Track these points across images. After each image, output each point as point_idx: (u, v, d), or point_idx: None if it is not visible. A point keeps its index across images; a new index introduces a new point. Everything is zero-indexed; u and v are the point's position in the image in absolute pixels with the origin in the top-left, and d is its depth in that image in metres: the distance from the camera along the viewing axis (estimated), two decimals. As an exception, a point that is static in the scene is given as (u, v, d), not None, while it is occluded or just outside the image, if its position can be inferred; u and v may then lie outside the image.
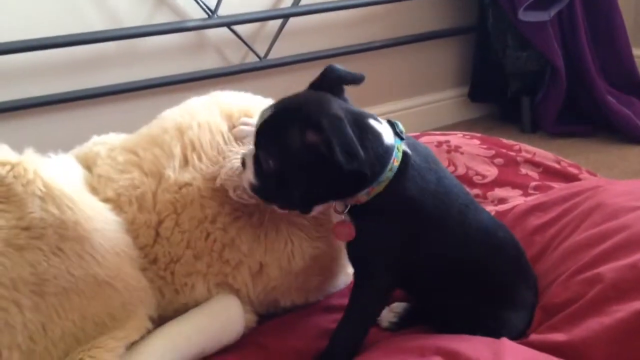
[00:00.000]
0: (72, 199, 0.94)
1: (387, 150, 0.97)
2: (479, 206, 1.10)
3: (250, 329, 1.12)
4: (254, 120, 1.04)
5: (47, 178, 0.93)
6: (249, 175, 0.99)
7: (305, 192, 0.97)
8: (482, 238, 1.05)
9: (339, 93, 0.99)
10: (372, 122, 0.97)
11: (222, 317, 1.07)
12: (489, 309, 1.06)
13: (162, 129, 1.10)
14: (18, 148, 0.99)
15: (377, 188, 0.97)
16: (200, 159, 1.06)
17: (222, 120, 1.10)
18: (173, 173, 1.05)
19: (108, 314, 0.95)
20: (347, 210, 1.00)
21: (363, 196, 0.98)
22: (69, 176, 1.03)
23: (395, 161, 0.97)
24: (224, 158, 1.07)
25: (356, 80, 1.00)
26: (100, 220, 0.97)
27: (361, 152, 0.89)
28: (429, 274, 1.04)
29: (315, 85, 1.00)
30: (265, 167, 0.96)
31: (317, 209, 1.01)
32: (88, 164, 1.11)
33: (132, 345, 0.98)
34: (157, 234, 1.04)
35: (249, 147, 1.05)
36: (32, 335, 0.89)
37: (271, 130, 0.95)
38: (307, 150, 0.92)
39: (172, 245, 1.04)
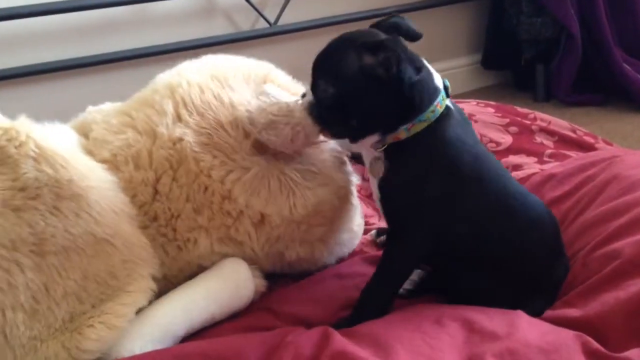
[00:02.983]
0: (65, 158, 0.95)
1: (435, 91, 1.00)
2: (515, 180, 1.09)
3: (260, 295, 1.12)
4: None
5: (39, 139, 0.93)
6: (309, 98, 1.01)
7: (359, 119, 0.99)
8: (522, 209, 1.04)
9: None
10: (425, 62, 1.01)
11: (232, 282, 1.07)
12: (515, 291, 1.05)
13: (152, 90, 1.11)
14: (29, 113, 0.99)
15: (418, 125, 0.99)
16: (191, 114, 1.07)
17: (211, 80, 1.11)
18: (166, 130, 1.06)
19: (109, 272, 0.96)
20: (384, 148, 1.02)
21: (403, 132, 1.00)
22: (62, 139, 1.04)
23: (439, 106, 1.00)
24: (216, 113, 1.08)
25: (415, 38, 1.04)
26: (95, 178, 0.99)
27: (423, 64, 0.96)
28: (462, 246, 1.03)
29: (376, 24, 1.04)
30: (322, 95, 0.99)
31: (365, 142, 1.03)
32: (85, 132, 1.12)
33: (141, 311, 0.99)
34: (156, 191, 1.05)
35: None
36: (35, 295, 0.90)
37: (329, 58, 0.99)
38: (364, 73, 0.96)
39: (172, 201, 1.05)
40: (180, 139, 1.05)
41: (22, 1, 1.78)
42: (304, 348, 0.92)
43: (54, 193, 0.92)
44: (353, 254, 1.27)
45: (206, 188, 1.05)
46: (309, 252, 1.15)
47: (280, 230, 1.09)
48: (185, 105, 1.07)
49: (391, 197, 1.04)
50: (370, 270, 1.16)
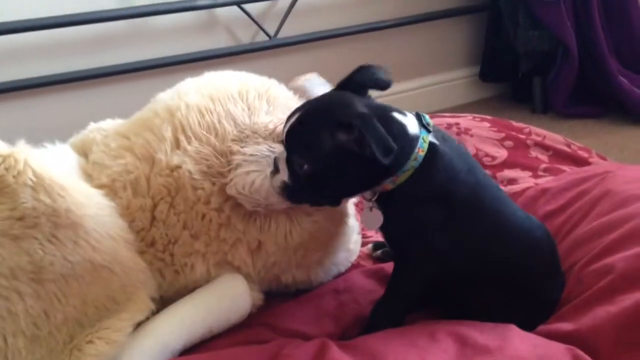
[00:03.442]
0: (63, 186, 0.95)
1: (411, 140, 0.99)
2: (514, 203, 1.10)
3: (258, 309, 1.13)
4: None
5: (37, 168, 0.94)
6: (284, 177, 1.00)
7: (337, 190, 1.01)
8: (518, 234, 1.05)
9: (362, 92, 1.01)
10: (395, 114, 0.99)
11: (229, 296, 1.08)
12: (511, 307, 1.06)
13: (153, 113, 1.11)
14: (29, 128, 1.01)
15: (402, 177, 0.99)
16: (189, 141, 1.06)
17: (211, 102, 1.10)
18: (164, 156, 1.06)
19: (108, 297, 0.97)
20: (375, 198, 1.03)
21: (388, 184, 1.00)
22: (61, 165, 1.04)
23: (421, 151, 0.99)
24: (215, 136, 1.07)
25: (383, 86, 1.01)
26: (93, 206, 0.99)
27: (394, 145, 0.92)
28: (460, 268, 1.04)
29: (342, 84, 1.03)
30: (298, 171, 0.98)
31: (345, 201, 1.04)
32: (85, 151, 1.12)
33: (139, 325, 1.00)
34: (153, 217, 1.05)
35: (263, 149, 1.05)
36: (35, 322, 0.91)
37: (302, 134, 0.98)
38: (338, 150, 0.95)
39: (169, 228, 1.05)
40: (178, 167, 1.05)
41: (23, 15, 1.80)
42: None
43: (52, 222, 0.93)
44: (350, 267, 1.27)
45: (204, 216, 1.05)
46: (305, 275, 1.16)
47: (277, 256, 1.10)
48: (183, 130, 1.07)
49: (393, 238, 1.06)
50: (367, 284, 1.18)
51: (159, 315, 1.03)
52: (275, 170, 1.02)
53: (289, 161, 1.00)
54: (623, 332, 0.95)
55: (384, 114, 0.97)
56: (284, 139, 1.01)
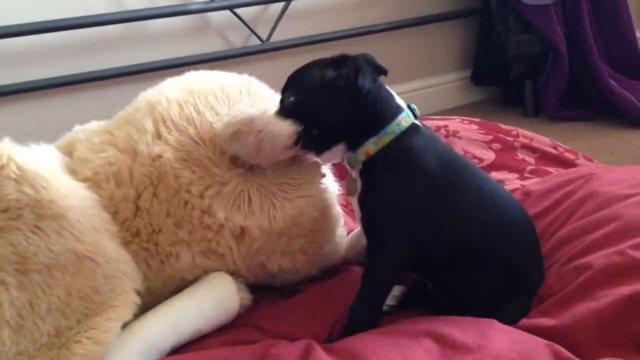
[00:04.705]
0: (46, 179, 0.97)
1: (396, 108, 1.07)
2: (502, 193, 1.12)
3: (246, 309, 1.14)
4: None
5: (20, 161, 0.96)
6: (276, 109, 1.07)
7: (320, 128, 1.05)
8: (500, 209, 1.08)
9: None
10: (387, 88, 1.08)
11: (217, 296, 1.09)
12: (497, 290, 1.07)
13: (134, 108, 1.14)
14: (24, 130, 1.02)
15: (385, 138, 1.05)
16: (170, 132, 1.09)
17: (190, 96, 1.13)
18: (146, 147, 1.08)
19: (92, 287, 0.98)
20: (359, 168, 1.07)
21: (371, 145, 1.05)
22: (44, 160, 1.06)
23: (404, 121, 1.06)
24: (194, 127, 1.10)
25: (380, 71, 1.07)
26: (76, 197, 1.01)
27: (375, 82, 1.03)
28: (441, 248, 1.06)
29: None
30: (286, 104, 1.05)
31: (329, 154, 1.08)
32: (70, 151, 1.14)
33: (127, 325, 1.01)
34: (137, 207, 1.07)
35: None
36: (20, 312, 0.93)
37: (295, 75, 1.07)
38: (323, 84, 1.04)
39: (152, 217, 1.07)
40: (160, 156, 1.07)
41: (16, 19, 1.81)
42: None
43: (36, 213, 0.95)
44: (340, 270, 1.28)
45: (186, 203, 1.07)
46: (290, 263, 1.16)
47: (261, 242, 1.11)
48: (164, 122, 1.09)
49: (370, 212, 1.07)
50: (355, 288, 1.19)
51: (147, 315, 1.04)
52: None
53: (281, 101, 1.07)
54: (603, 328, 0.97)
55: (377, 80, 1.05)
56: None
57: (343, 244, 1.27)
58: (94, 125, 1.19)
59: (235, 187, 1.09)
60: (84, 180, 1.07)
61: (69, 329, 0.96)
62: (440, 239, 1.05)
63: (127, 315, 1.00)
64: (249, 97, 1.15)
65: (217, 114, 1.11)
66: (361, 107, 1.03)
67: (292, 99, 1.05)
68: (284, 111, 1.05)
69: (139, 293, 1.04)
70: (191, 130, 1.09)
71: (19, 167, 0.95)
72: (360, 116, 1.04)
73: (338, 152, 1.08)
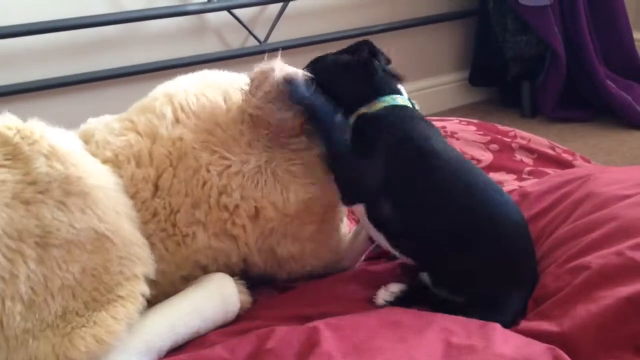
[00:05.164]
0: (76, 157, 1.00)
1: (395, 89, 1.18)
2: (491, 184, 1.14)
3: (245, 310, 1.14)
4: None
5: (52, 139, 0.98)
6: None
7: (334, 94, 1.15)
8: (488, 193, 1.10)
9: None
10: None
11: (217, 297, 1.10)
12: (494, 279, 1.08)
13: (151, 99, 1.17)
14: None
15: (377, 104, 1.14)
16: (189, 117, 1.13)
17: (207, 88, 1.18)
18: (166, 130, 1.11)
19: (105, 267, 0.99)
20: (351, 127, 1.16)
21: (364, 109, 1.15)
22: (72, 141, 1.08)
23: (400, 100, 1.15)
24: (213, 114, 1.15)
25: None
26: (102, 178, 1.03)
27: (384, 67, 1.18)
28: (426, 222, 1.10)
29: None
30: (306, 77, 1.14)
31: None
32: (86, 140, 1.15)
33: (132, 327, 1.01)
34: (156, 187, 1.10)
35: None
36: (34, 287, 0.93)
37: (313, 63, 1.21)
38: (337, 64, 1.18)
39: (172, 196, 1.09)
40: (180, 138, 1.11)
41: (15, 20, 1.81)
42: (285, 357, 0.95)
43: (63, 189, 0.96)
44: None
45: (204, 183, 1.10)
46: (299, 249, 1.18)
47: (274, 223, 1.13)
48: (182, 109, 1.13)
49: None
50: (352, 284, 1.20)
51: (147, 315, 1.04)
52: None
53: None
54: (602, 330, 0.97)
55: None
56: None
57: (346, 242, 1.29)
58: (108, 117, 1.21)
59: (253, 167, 1.12)
60: (105, 160, 1.09)
61: (76, 313, 0.96)
62: (423, 211, 1.09)
63: (134, 314, 1.00)
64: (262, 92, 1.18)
65: (234, 101, 1.15)
66: (367, 82, 1.15)
67: (307, 73, 1.13)
68: (305, 81, 1.13)
69: (149, 280, 1.04)
70: (209, 115, 1.13)
71: (50, 145, 0.97)
72: (366, 83, 1.16)
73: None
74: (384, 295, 1.15)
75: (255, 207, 1.12)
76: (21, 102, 1.90)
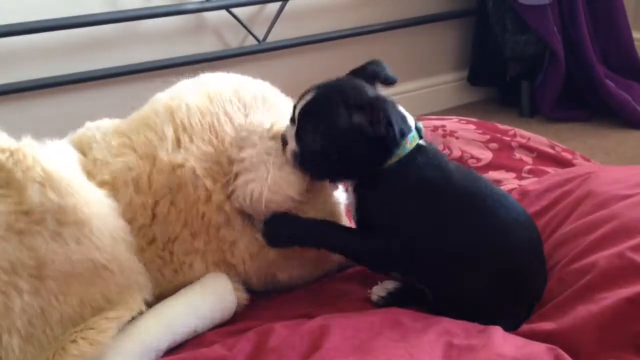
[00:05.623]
0: (71, 184, 0.96)
1: (406, 131, 1.06)
2: (504, 200, 1.10)
3: (243, 308, 1.13)
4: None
5: (45, 164, 0.94)
6: (293, 147, 1.05)
7: (341, 166, 1.06)
8: (499, 236, 1.06)
9: (371, 83, 1.09)
10: (398, 106, 1.07)
11: (214, 296, 1.09)
12: (497, 299, 1.07)
13: (153, 112, 1.12)
14: (17, 131, 1.01)
15: (389, 162, 1.05)
16: (191, 140, 1.08)
17: (210, 103, 1.12)
18: (166, 155, 1.07)
19: (104, 297, 0.97)
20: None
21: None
22: (67, 162, 1.04)
23: (409, 143, 1.05)
24: (216, 137, 1.09)
25: (389, 82, 1.10)
26: (98, 205, 0.99)
27: (406, 128, 1.04)
28: (441, 254, 1.06)
29: (355, 71, 1.10)
30: (308, 144, 1.04)
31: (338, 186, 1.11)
32: (83, 149, 1.13)
33: (123, 326, 1.00)
34: (154, 214, 1.06)
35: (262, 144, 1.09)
36: (31, 319, 0.91)
37: (318, 112, 1.04)
38: (352, 130, 1.02)
39: (169, 225, 1.06)
40: (181, 165, 1.07)
41: (12, 19, 1.80)
42: (288, 357, 0.94)
43: (57, 219, 0.93)
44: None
45: (203, 215, 1.07)
46: (301, 272, 1.17)
47: (275, 256, 1.11)
48: (185, 129, 1.09)
49: (364, 220, 1.09)
50: (349, 287, 1.19)
51: (143, 316, 1.03)
52: (284, 143, 1.07)
53: (299, 135, 1.04)
54: (603, 330, 0.96)
55: (391, 102, 1.04)
56: (296, 115, 1.05)
57: None
58: (107, 122, 1.17)
59: None
60: (102, 183, 1.05)
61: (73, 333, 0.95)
62: (437, 245, 1.05)
63: (127, 316, 0.99)
64: (264, 105, 1.15)
65: (234, 126, 1.11)
66: (383, 146, 1.03)
67: (318, 141, 1.03)
68: (306, 151, 1.05)
69: (147, 303, 1.03)
70: (213, 141, 1.09)
71: (44, 170, 0.93)
72: (379, 152, 1.04)
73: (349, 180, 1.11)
74: (377, 290, 1.15)
75: (257, 240, 1.09)
76: (18, 102, 1.90)
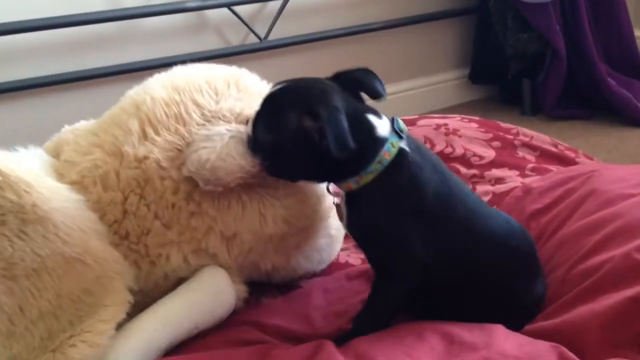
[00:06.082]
0: (28, 182, 0.95)
1: (378, 142, 0.99)
2: (493, 211, 1.10)
3: (246, 307, 1.13)
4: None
5: (2, 166, 0.94)
6: (248, 131, 1.03)
7: (295, 169, 1.02)
8: (492, 247, 1.04)
9: (354, 90, 1.02)
10: (369, 116, 1.00)
11: (212, 290, 1.08)
12: (489, 312, 1.05)
13: (120, 109, 1.12)
14: (21, 129, 1.01)
15: (365, 177, 0.99)
16: (157, 132, 1.07)
17: (176, 93, 1.10)
18: (132, 149, 1.06)
19: (83, 289, 0.97)
20: (344, 196, 1.04)
21: (351, 184, 1.01)
22: (27, 163, 1.05)
23: (387, 155, 0.99)
24: (183, 126, 1.07)
25: (375, 95, 1.02)
26: (60, 199, 0.99)
27: (352, 144, 0.93)
28: (435, 277, 1.03)
29: (340, 74, 1.04)
30: (262, 138, 1.01)
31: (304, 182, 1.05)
32: (58, 152, 1.13)
33: (122, 326, 1.00)
34: (125, 210, 1.06)
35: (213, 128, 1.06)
36: (11, 318, 0.92)
37: (272, 107, 1.01)
38: (300, 134, 0.97)
39: (140, 219, 1.06)
40: (146, 157, 1.05)
41: (12, 17, 1.80)
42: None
43: (19, 218, 0.93)
44: (339, 265, 1.28)
45: (173, 205, 1.06)
46: (284, 260, 1.15)
47: (252, 243, 1.10)
48: (150, 122, 1.07)
49: (360, 238, 1.06)
50: (356, 284, 1.19)
51: (143, 314, 1.03)
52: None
53: (255, 122, 1.02)
54: (607, 329, 0.96)
55: (356, 113, 0.98)
56: (260, 105, 1.03)
57: (340, 236, 1.26)
58: (82, 125, 1.18)
59: (226, 189, 1.06)
60: (71, 183, 1.05)
61: (62, 332, 0.95)
62: (432, 271, 1.02)
63: (121, 314, 0.99)
64: (238, 91, 1.13)
65: (203, 113, 1.08)
66: (333, 158, 0.94)
67: (268, 136, 1.00)
68: (258, 142, 1.02)
69: (131, 291, 1.03)
70: (179, 130, 1.07)
71: (0, 172, 0.94)
72: (336, 164, 0.97)
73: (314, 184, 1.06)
74: None
75: (231, 228, 1.08)
76: (17, 100, 1.90)
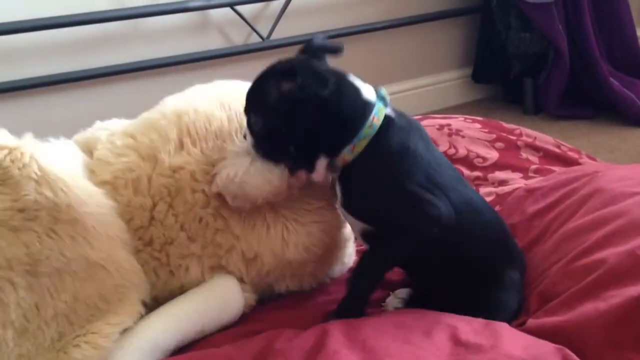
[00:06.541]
0: (66, 182, 0.96)
1: (366, 105, 1.00)
2: (468, 184, 1.12)
3: (250, 308, 1.13)
4: None
5: (42, 162, 0.95)
6: (250, 140, 1.04)
7: (295, 144, 1.01)
8: (468, 214, 1.06)
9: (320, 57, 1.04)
10: (352, 78, 1.01)
11: (221, 296, 1.09)
12: (477, 288, 1.07)
13: (160, 114, 1.11)
14: (23, 128, 1.01)
15: (359, 144, 1.00)
16: (194, 144, 1.08)
17: (220, 111, 1.11)
18: (167, 157, 1.07)
19: (100, 295, 0.97)
20: (338, 174, 1.04)
21: (347, 154, 1.01)
22: (65, 161, 1.05)
23: (376, 119, 1.00)
24: (223, 142, 1.08)
25: (335, 50, 1.04)
26: (94, 204, 1.00)
27: (328, 77, 0.96)
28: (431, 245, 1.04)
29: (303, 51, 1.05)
30: (255, 129, 1.01)
31: (320, 167, 1.03)
32: (89, 149, 1.13)
33: (127, 331, 1.00)
34: (152, 216, 1.06)
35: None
36: (26, 314, 0.92)
37: (252, 92, 1.02)
38: (284, 100, 0.98)
39: (166, 228, 1.06)
40: (181, 168, 1.06)
41: (18, 16, 1.81)
42: (293, 358, 0.94)
43: (52, 216, 0.94)
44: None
45: (201, 219, 1.06)
46: (298, 284, 1.17)
47: (271, 266, 1.11)
48: (189, 133, 1.08)
49: (361, 209, 1.05)
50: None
51: (151, 315, 1.03)
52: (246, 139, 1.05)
53: (249, 125, 1.03)
54: (610, 328, 0.96)
55: (338, 75, 1.00)
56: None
57: (350, 262, 1.26)
58: (115, 123, 1.18)
59: (254, 209, 1.07)
60: (102, 183, 1.06)
61: (71, 334, 0.95)
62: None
63: (129, 322, 1.00)
64: None
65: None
66: (327, 114, 0.98)
67: (259, 121, 1.01)
68: (256, 135, 1.03)
69: (144, 304, 1.03)
70: (217, 144, 1.08)
71: (40, 168, 0.94)
72: (329, 123, 0.99)
73: (321, 166, 1.04)
74: (393, 302, 1.15)
75: (253, 250, 1.09)
76: (25, 99, 1.90)
